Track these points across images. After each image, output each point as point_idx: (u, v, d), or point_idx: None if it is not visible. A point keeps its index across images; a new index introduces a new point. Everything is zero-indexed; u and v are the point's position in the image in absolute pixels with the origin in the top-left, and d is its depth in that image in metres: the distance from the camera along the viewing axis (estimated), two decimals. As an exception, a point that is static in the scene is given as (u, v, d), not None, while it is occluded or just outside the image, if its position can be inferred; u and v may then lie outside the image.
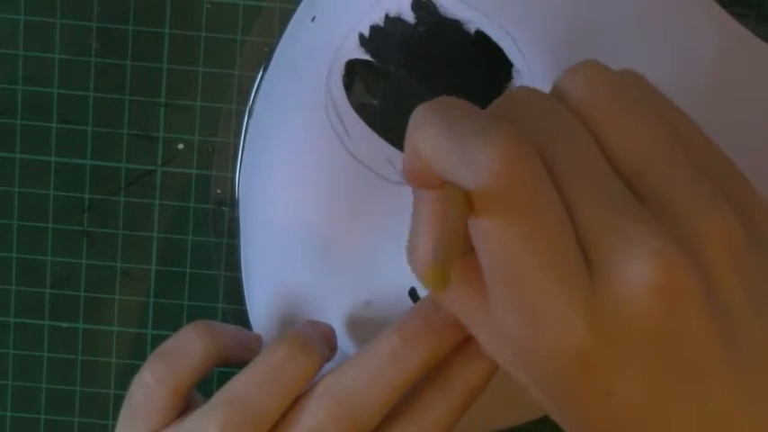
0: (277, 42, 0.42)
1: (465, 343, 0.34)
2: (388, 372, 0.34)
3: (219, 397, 0.35)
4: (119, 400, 0.38)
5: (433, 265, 0.26)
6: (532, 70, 0.37)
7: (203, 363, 0.37)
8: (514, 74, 0.37)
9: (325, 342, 0.37)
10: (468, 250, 0.29)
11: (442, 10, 0.37)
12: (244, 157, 0.43)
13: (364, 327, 0.38)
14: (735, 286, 0.27)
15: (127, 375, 0.37)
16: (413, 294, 0.38)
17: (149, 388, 0.36)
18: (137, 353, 0.45)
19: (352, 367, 0.35)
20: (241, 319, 0.43)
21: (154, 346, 0.39)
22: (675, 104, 0.30)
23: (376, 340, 0.35)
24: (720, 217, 0.27)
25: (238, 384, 0.35)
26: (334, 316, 0.39)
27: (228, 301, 0.45)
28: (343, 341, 0.39)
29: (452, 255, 0.27)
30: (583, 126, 0.29)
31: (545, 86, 0.36)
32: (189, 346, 0.37)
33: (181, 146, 0.44)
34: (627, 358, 0.27)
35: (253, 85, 0.43)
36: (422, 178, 0.29)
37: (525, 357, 0.28)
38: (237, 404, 0.35)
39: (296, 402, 0.35)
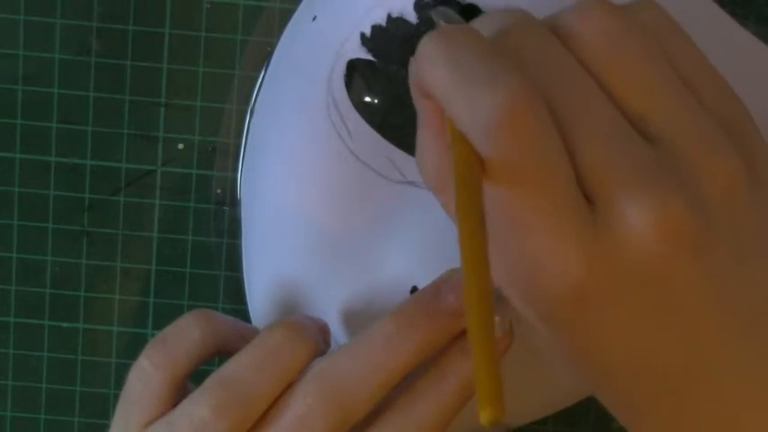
0: (277, 42, 0.42)
1: (462, 336, 0.34)
2: (380, 357, 0.34)
3: (213, 379, 0.35)
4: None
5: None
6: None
7: (201, 350, 0.37)
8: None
9: (320, 334, 0.37)
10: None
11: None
12: (246, 156, 0.43)
13: (365, 326, 0.38)
14: (732, 228, 0.28)
15: (126, 376, 0.37)
16: (414, 293, 0.38)
17: (146, 374, 0.36)
18: (137, 353, 0.45)
19: (344, 353, 0.35)
20: (241, 319, 0.43)
21: (154, 347, 0.39)
22: (685, 35, 0.30)
23: (370, 327, 0.34)
24: (723, 159, 0.28)
25: (232, 367, 0.35)
26: (335, 315, 0.39)
27: (228, 301, 0.45)
28: (344, 340, 0.39)
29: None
30: (584, 70, 0.29)
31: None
32: (187, 334, 0.37)
33: (181, 146, 0.44)
34: (621, 296, 0.28)
35: (254, 86, 0.43)
36: (424, 96, 0.30)
37: (529, 297, 0.29)
38: (230, 386, 0.35)
39: (287, 388, 0.35)
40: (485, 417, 0.23)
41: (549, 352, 0.31)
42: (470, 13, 0.37)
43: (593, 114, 0.28)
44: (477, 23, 0.30)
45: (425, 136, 0.30)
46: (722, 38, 0.39)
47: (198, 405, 0.35)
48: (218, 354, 0.38)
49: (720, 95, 0.30)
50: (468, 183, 0.26)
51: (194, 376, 0.37)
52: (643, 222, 0.27)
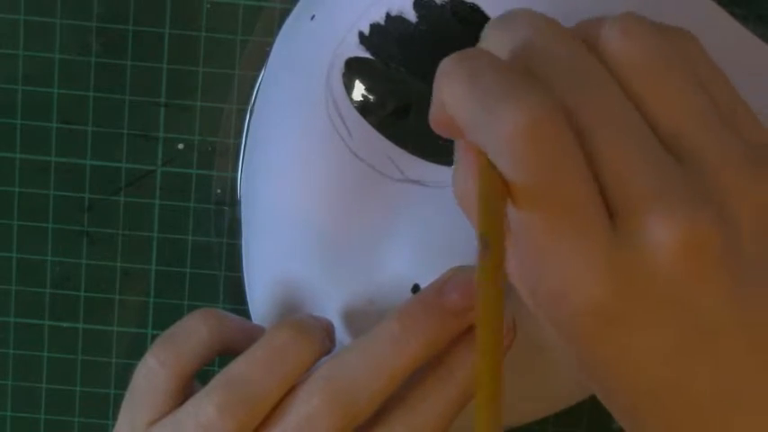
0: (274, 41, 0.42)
1: (467, 333, 0.34)
2: (385, 357, 0.34)
3: (219, 378, 0.35)
4: (119, 400, 0.38)
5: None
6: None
7: (207, 349, 0.37)
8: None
9: (326, 334, 0.37)
10: None
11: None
12: (245, 156, 0.43)
13: (367, 325, 0.38)
14: (759, 245, 0.28)
15: (127, 375, 0.37)
16: (416, 292, 0.38)
17: (152, 371, 0.36)
18: (137, 353, 0.45)
19: (349, 353, 0.35)
20: (241, 318, 0.43)
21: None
22: (712, 62, 0.30)
23: (375, 327, 0.35)
24: (751, 177, 0.28)
25: (239, 366, 0.35)
26: (337, 314, 0.39)
27: (228, 301, 0.45)
28: (347, 340, 0.39)
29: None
30: (615, 81, 0.28)
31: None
32: (195, 332, 0.37)
33: (181, 146, 0.44)
34: (648, 317, 0.27)
35: (254, 86, 0.43)
36: (447, 128, 0.29)
37: (554, 318, 0.28)
38: (237, 385, 0.34)
39: (292, 388, 0.35)
40: None
41: (561, 355, 0.31)
42: (472, 15, 0.37)
43: (620, 125, 0.27)
44: (500, 27, 0.30)
45: (461, 157, 0.30)
46: (722, 37, 0.39)
47: (204, 404, 0.35)
48: (225, 353, 0.38)
49: (752, 124, 0.30)
50: (491, 206, 0.26)
51: (199, 375, 0.37)
52: (668, 237, 0.26)
